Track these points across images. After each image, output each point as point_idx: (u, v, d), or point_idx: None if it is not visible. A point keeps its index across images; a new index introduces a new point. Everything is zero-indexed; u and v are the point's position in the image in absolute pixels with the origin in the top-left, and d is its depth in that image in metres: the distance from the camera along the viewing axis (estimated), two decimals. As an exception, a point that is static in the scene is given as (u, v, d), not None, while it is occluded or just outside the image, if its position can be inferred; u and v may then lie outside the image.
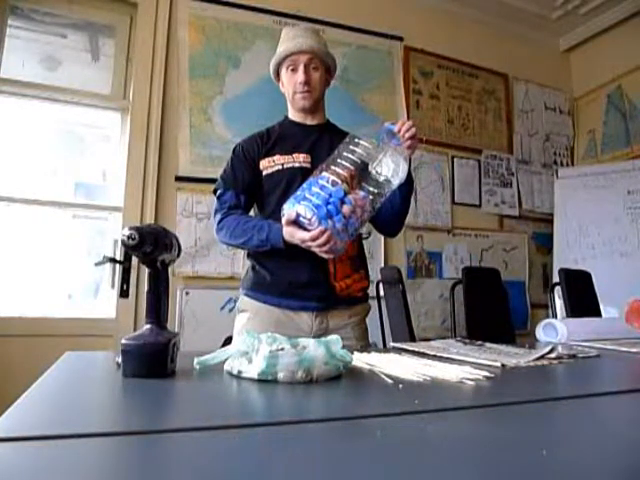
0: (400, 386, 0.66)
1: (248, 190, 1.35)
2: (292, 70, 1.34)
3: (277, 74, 1.40)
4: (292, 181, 1.29)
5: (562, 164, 3.61)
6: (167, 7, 2.57)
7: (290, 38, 1.35)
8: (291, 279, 1.26)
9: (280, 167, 1.32)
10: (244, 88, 2.66)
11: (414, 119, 3.09)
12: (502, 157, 3.37)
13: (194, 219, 2.47)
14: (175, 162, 2.48)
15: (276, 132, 1.38)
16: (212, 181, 2.47)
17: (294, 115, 1.41)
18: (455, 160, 3.22)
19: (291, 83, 1.35)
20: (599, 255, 3.14)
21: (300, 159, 1.32)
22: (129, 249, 0.69)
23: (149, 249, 0.71)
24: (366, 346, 1.33)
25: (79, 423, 0.48)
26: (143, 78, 2.47)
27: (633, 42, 3.27)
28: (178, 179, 2.47)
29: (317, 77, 1.35)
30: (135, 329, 2.21)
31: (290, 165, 1.31)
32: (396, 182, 1.14)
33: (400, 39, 3.11)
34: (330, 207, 1.07)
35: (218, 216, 1.32)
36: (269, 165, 1.32)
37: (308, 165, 1.31)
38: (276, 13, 2.78)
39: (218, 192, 1.36)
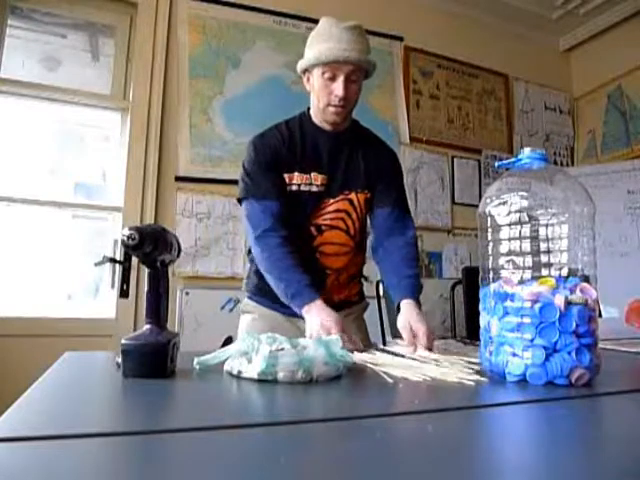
0: (400, 386, 0.66)
1: (282, 195, 1.22)
2: (329, 79, 1.17)
3: (305, 69, 1.23)
4: (305, 206, 1.23)
5: (562, 164, 3.60)
6: (167, 7, 2.57)
7: (335, 39, 1.16)
8: None
9: (296, 187, 1.23)
10: (244, 88, 2.66)
11: (414, 119, 3.09)
12: (502, 157, 3.37)
13: (194, 219, 2.47)
14: (175, 162, 2.48)
15: (297, 136, 1.25)
16: (212, 181, 2.52)
17: (317, 119, 1.27)
18: (455, 160, 3.22)
19: (325, 93, 1.18)
20: (599, 255, 3.12)
21: (318, 181, 1.23)
22: (129, 249, 0.69)
23: (149, 249, 0.71)
24: (364, 339, 1.35)
25: (79, 423, 0.48)
26: (143, 78, 2.47)
27: (633, 42, 3.27)
28: (178, 179, 2.47)
29: (355, 89, 1.20)
30: (135, 329, 2.21)
31: (307, 189, 1.23)
32: None
33: (400, 39, 3.11)
34: None
35: (261, 230, 1.18)
36: (288, 182, 1.23)
37: (322, 189, 1.23)
38: (276, 13, 2.79)
39: (255, 199, 1.20)
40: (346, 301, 1.33)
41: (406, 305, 1.14)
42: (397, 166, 1.35)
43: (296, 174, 1.23)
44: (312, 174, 1.23)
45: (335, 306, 1.29)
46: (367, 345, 1.33)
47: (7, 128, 2.39)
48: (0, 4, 2.34)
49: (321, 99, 1.20)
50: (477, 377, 0.71)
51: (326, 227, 1.25)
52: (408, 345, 1.05)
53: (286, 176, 1.23)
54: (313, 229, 1.25)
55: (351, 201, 1.26)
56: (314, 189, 1.23)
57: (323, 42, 1.17)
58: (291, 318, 1.27)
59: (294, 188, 1.23)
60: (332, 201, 1.25)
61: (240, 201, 1.26)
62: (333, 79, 1.17)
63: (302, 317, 1.24)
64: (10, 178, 2.33)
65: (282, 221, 1.20)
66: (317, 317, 1.04)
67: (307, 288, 1.10)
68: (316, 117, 1.27)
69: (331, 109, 1.20)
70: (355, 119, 1.33)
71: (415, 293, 1.17)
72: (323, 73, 1.17)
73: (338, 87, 1.16)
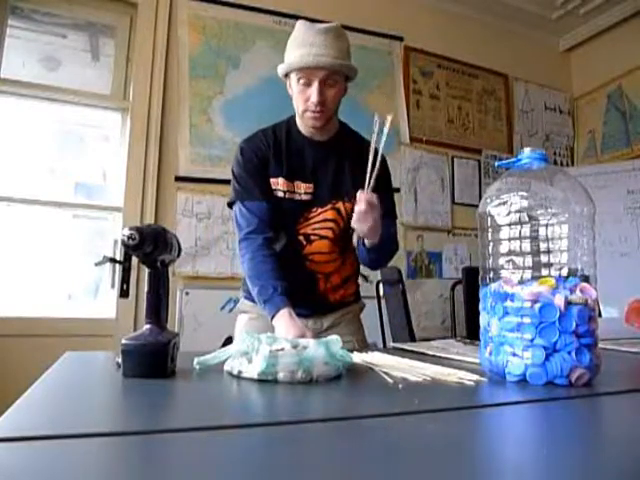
0: (400, 386, 0.66)
1: (269, 197, 1.22)
2: (304, 84, 1.16)
3: (286, 74, 1.23)
4: (290, 214, 1.23)
5: (562, 164, 3.60)
6: (167, 7, 2.57)
7: (307, 43, 1.14)
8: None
9: (282, 194, 1.22)
10: (244, 88, 2.66)
11: (414, 119, 3.10)
12: (502, 157, 3.37)
13: (194, 219, 2.47)
14: (175, 162, 2.48)
15: (283, 142, 1.25)
16: (212, 181, 2.52)
17: (300, 125, 1.26)
18: (455, 160, 3.22)
19: (302, 99, 1.18)
20: (599, 255, 3.12)
21: (302, 189, 1.23)
22: (129, 249, 0.69)
23: (149, 249, 0.71)
24: (361, 341, 1.35)
25: (79, 423, 0.48)
26: (143, 78, 2.47)
27: (633, 42, 3.27)
28: (178, 179, 2.47)
29: (333, 94, 1.18)
30: (135, 329, 2.21)
31: (290, 197, 1.22)
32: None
33: (400, 39, 3.11)
34: None
35: (245, 232, 1.20)
36: (273, 187, 1.23)
37: (309, 197, 1.23)
38: (276, 13, 2.79)
39: (242, 202, 1.21)
40: (342, 302, 1.33)
41: None
42: (385, 174, 1.30)
43: (281, 180, 1.22)
44: (295, 182, 1.23)
45: (331, 307, 1.30)
46: (364, 346, 1.33)
47: (7, 128, 2.39)
48: (0, 4, 2.34)
49: (299, 105, 1.20)
50: (477, 377, 0.71)
51: (315, 237, 1.24)
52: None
53: (272, 180, 1.22)
54: (302, 238, 1.24)
55: (338, 210, 1.25)
56: (297, 197, 1.23)
57: (297, 48, 1.16)
58: None
59: (279, 194, 1.22)
60: (320, 210, 1.24)
61: (230, 206, 1.26)
62: (308, 84, 1.16)
63: (296, 315, 1.25)
64: (10, 178, 2.33)
65: (269, 222, 1.20)
66: (284, 327, 1.06)
67: (278, 296, 1.11)
68: (299, 123, 1.26)
69: (309, 114, 1.18)
70: (344, 122, 1.31)
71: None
72: (299, 79, 1.16)
73: (313, 93, 1.15)
